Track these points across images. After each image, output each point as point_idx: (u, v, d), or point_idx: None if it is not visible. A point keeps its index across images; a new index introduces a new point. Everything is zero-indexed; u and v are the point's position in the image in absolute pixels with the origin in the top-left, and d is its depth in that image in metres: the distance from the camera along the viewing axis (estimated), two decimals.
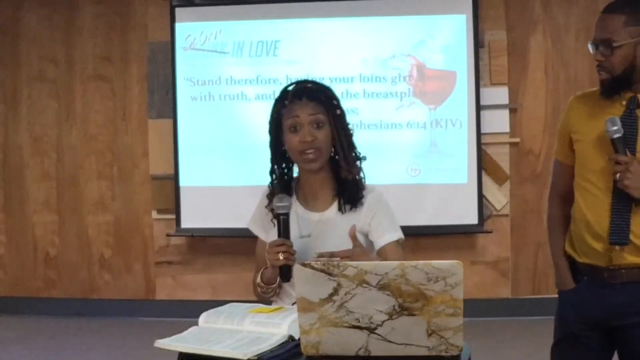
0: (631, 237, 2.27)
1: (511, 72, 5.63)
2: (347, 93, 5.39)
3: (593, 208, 2.33)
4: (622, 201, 2.25)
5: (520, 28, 5.63)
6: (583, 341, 2.40)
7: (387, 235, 2.32)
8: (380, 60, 5.54)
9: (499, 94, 5.61)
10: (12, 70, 6.05)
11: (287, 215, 2.25)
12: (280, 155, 2.38)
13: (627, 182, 2.20)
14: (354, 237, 2.22)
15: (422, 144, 5.52)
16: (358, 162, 2.35)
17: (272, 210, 2.35)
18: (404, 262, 1.63)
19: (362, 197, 2.33)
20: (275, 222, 2.30)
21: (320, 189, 2.35)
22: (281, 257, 2.20)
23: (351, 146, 2.34)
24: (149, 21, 5.90)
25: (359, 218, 2.31)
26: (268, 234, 2.40)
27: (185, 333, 1.92)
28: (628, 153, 2.22)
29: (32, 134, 6.05)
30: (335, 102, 2.33)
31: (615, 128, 2.21)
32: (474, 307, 5.01)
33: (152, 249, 5.94)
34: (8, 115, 6.08)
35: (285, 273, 2.23)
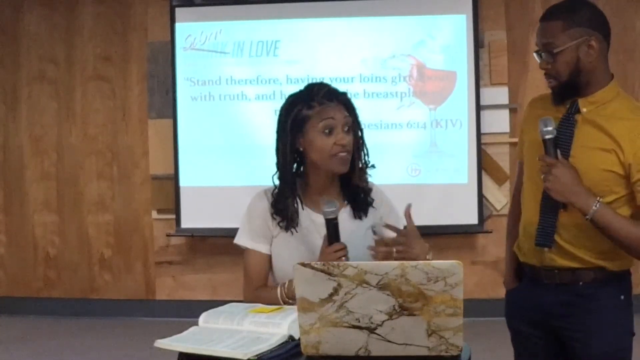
0: (557, 239, 2.26)
1: (511, 72, 5.63)
2: (347, 93, 5.38)
3: (528, 208, 2.35)
4: (549, 203, 2.24)
5: (520, 28, 5.63)
6: (530, 339, 2.41)
7: (401, 222, 2.31)
8: (380, 60, 5.55)
9: (499, 94, 5.62)
10: (12, 70, 6.05)
11: (337, 219, 2.21)
12: (293, 157, 2.31)
13: (548, 184, 2.18)
14: (408, 216, 2.22)
15: (422, 144, 5.52)
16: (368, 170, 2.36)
17: (282, 218, 2.28)
18: (404, 262, 1.63)
19: (372, 201, 2.37)
20: (283, 224, 2.27)
21: (327, 191, 2.33)
22: (345, 261, 2.17)
23: (366, 153, 2.35)
24: (149, 21, 5.90)
25: (369, 218, 2.34)
26: (269, 244, 2.33)
27: (185, 333, 1.92)
28: (559, 155, 2.20)
29: (32, 134, 6.05)
30: (353, 105, 2.34)
31: (546, 129, 2.19)
32: (474, 307, 4.99)
33: (152, 249, 5.94)
34: (8, 115, 6.08)
35: None
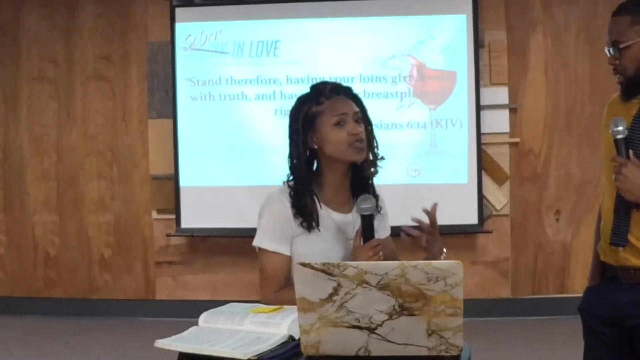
0: (631, 239, 2.28)
1: (511, 72, 5.63)
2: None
3: (605, 209, 2.37)
4: (622, 202, 2.27)
5: (520, 28, 5.63)
6: (600, 337, 2.42)
7: (386, 230, 2.44)
8: (380, 60, 5.55)
9: (499, 94, 5.62)
10: (12, 70, 6.05)
11: (373, 215, 2.26)
12: (307, 156, 2.33)
13: (618, 184, 2.21)
14: (434, 214, 2.30)
15: (422, 144, 5.52)
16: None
17: (305, 218, 2.27)
18: (404, 262, 1.63)
19: (381, 208, 2.40)
20: (306, 224, 2.27)
21: (341, 190, 2.34)
22: (382, 257, 2.23)
23: (376, 145, 2.38)
24: (149, 21, 5.90)
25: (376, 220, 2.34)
26: (290, 245, 2.30)
27: (185, 333, 1.91)
28: (631, 155, 2.21)
29: (32, 134, 6.05)
30: (362, 101, 2.40)
31: (617, 129, 2.21)
32: (474, 307, 5.02)
33: (152, 249, 5.94)
34: (8, 115, 6.08)
35: None
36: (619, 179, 2.20)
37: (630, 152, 2.22)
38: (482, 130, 5.50)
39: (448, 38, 5.51)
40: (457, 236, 5.57)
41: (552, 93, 5.62)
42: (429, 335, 1.66)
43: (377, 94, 5.50)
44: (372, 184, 2.37)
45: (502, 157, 5.63)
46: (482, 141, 5.52)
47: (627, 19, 2.22)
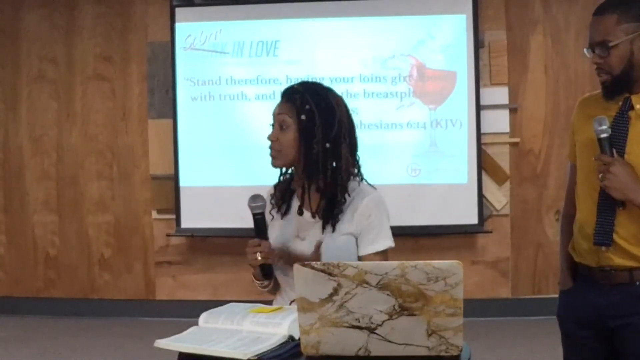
0: (616, 238, 2.26)
1: (511, 72, 5.63)
2: (347, 93, 5.38)
3: (584, 208, 2.35)
4: (607, 202, 2.25)
5: (520, 28, 5.63)
6: (579, 341, 2.40)
7: (370, 246, 2.26)
8: (380, 60, 5.55)
9: (499, 94, 5.62)
10: (12, 70, 6.05)
11: (261, 215, 2.26)
12: None
13: (607, 183, 2.20)
14: (317, 248, 2.25)
15: (422, 144, 5.52)
16: (333, 173, 2.25)
17: (276, 210, 2.36)
18: (404, 262, 1.63)
19: (342, 211, 2.26)
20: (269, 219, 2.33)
21: (309, 191, 2.30)
22: (259, 257, 2.24)
23: (318, 155, 2.23)
24: (149, 21, 5.90)
25: (351, 222, 2.27)
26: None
27: (185, 333, 1.91)
28: (615, 154, 2.22)
29: (32, 134, 6.05)
30: (307, 107, 2.25)
31: (601, 128, 2.21)
32: (474, 307, 5.01)
33: (152, 249, 5.94)
34: (8, 115, 6.08)
35: (267, 272, 2.29)
36: (607, 178, 2.19)
37: (614, 150, 2.22)
38: (482, 130, 5.50)
39: (448, 38, 5.51)
40: (457, 236, 5.58)
41: (552, 93, 5.62)
42: (429, 335, 1.66)
43: (377, 94, 5.50)
44: (335, 196, 2.25)
45: (502, 157, 5.63)
46: (482, 141, 5.52)
47: (614, 17, 2.22)
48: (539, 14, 5.63)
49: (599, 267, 2.32)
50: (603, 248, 2.28)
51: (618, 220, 2.26)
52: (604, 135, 2.21)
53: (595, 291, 2.33)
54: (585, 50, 2.29)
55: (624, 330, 2.29)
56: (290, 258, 2.26)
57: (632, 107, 2.27)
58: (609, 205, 2.26)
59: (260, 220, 2.26)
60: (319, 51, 5.58)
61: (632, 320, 2.28)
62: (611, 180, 2.19)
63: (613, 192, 2.20)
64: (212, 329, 1.91)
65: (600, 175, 2.21)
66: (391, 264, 1.64)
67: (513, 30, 5.64)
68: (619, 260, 2.28)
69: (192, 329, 1.95)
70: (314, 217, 2.29)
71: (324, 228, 2.26)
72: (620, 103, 2.28)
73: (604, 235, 2.27)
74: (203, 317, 1.97)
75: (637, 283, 2.28)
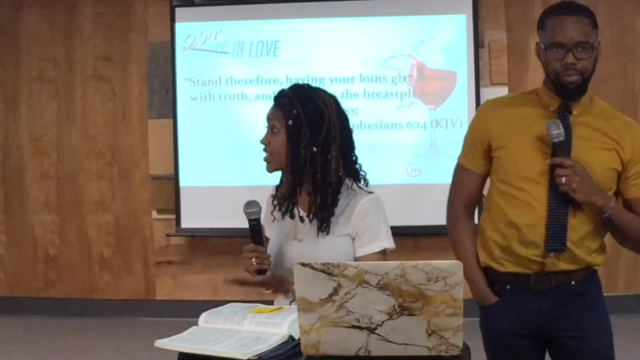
0: (567, 243, 2.21)
1: (511, 72, 5.63)
2: (347, 93, 5.39)
3: (525, 215, 2.24)
4: (560, 207, 2.20)
5: (520, 28, 5.63)
6: (519, 351, 2.33)
7: (366, 247, 2.27)
8: (380, 60, 5.55)
9: (499, 94, 5.57)
10: (12, 70, 6.05)
11: (257, 220, 2.25)
12: None
13: (575, 186, 2.14)
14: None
15: (422, 144, 5.52)
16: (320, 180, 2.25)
17: (280, 202, 2.36)
18: (404, 262, 1.63)
19: (333, 213, 2.26)
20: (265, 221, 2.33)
21: (306, 195, 2.31)
22: (254, 263, 2.24)
23: (306, 159, 2.23)
24: (149, 21, 5.90)
25: (347, 224, 2.27)
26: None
27: (185, 333, 1.91)
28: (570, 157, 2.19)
29: (32, 134, 6.05)
30: (294, 112, 2.24)
31: (558, 132, 2.16)
32: (474, 307, 5.00)
33: (152, 249, 5.94)
34: (8, 115, 6.08)
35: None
36: (575, 180, 2.13)
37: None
38: None
39: (448, 38, 5.51)
40: None
41: None
42: (429, 335, 1.66)
43: (377, 94, 5.50)
44: (326, 200, 2.25)
45: None
46: None
47: (587, 20, 2.21)
48: (538, 14, 5.52)
49: (535, 273, 2.26)
50: (551, 254, 2.22)
51: (570, 225, 2.21)
52: (560, 139, 2.17)
53: (533, 297, 2.27)
54: (556, 49, 2.20)
55: (567, 329, 2.27)
56: (277, 280, 2.28)
57: (570, 112, 2.25)
58: (561, 210, 2.20)
59: (255, 226, 2.26)
60: (319, 51, 5.58)
61: (574, 319, 2.27)
62: (580, 182, 2.14)
63: (578, 195, 2.15)
64: (212, 329, 1.91)
65: (563, 179, 2.14)
66: (391, 264, 1.64)
67: (513, 30, 5.64)
68: (565, 265, 2.24)
69: (192, 329, 1.95)
70: (304, 220, 2.30)
71: (319, 230, 2.26)
72: (554, 109, 2.25)
73: (557, 241, 2.20)
74: (203, 317, 1.97)
75: (573, 282, 2.27)
